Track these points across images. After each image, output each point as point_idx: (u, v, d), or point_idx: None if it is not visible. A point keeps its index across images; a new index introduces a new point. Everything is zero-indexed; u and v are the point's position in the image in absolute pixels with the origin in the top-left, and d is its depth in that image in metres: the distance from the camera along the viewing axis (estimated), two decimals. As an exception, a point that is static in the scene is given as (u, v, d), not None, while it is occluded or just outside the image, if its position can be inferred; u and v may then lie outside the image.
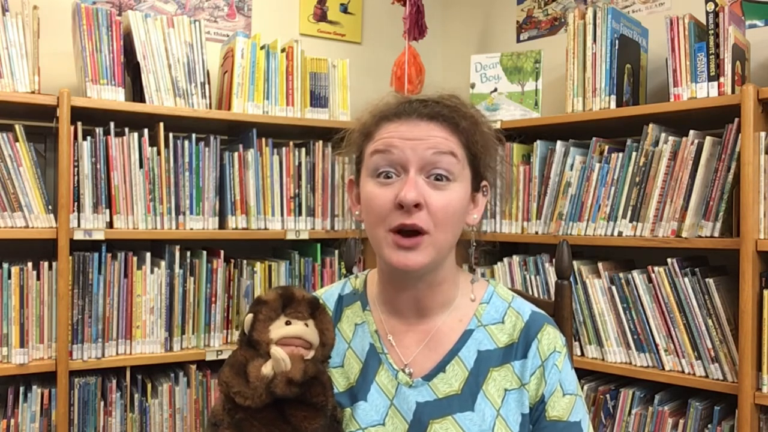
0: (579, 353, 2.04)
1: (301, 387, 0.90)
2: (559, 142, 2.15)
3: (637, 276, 1.91)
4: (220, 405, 0.95)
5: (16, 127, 1.90)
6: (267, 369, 0.90)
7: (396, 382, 1.02)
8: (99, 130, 1.98)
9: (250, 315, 0.96)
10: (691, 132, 1.86)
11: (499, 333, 1.04)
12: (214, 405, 0.97)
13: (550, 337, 1.04)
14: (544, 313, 1.08)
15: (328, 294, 1.15)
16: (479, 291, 1.09)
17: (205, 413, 2.13)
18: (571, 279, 1.36)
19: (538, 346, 1.02)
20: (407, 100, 1.03)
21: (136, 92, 2.12)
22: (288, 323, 0.95)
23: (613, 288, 1.97)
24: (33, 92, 1.89)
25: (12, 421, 1.87)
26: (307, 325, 0.96)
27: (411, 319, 1.06)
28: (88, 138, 1.96)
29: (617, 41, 2.02)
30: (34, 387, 1.90)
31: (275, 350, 0.91)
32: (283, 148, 2.26)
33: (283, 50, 2.28)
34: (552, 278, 2.13)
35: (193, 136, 2.12)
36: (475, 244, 1.08)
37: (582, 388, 2.02)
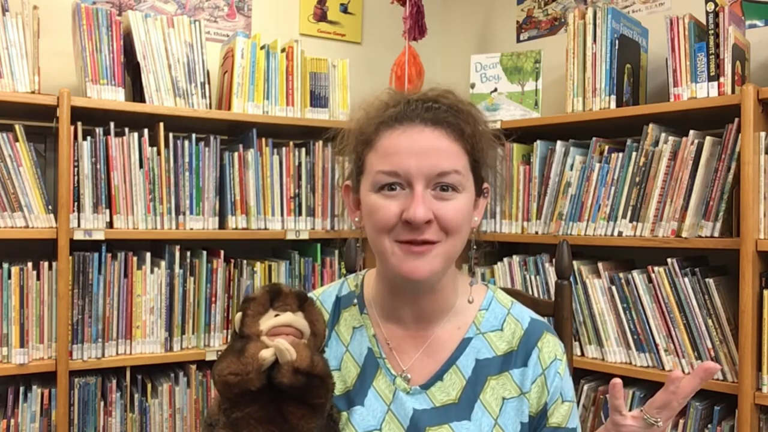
0: (579, 353, 2.04)
1: (307, 377, 0.88)
2: (559, 142, 2.15)
3: (637, 276, 1.91)
4: (215, 405, 0.94)
5: (16, 127, 1.90)
6: (267, 353, 0.88)
7: (393, 388, 1.02)
8: (99, 130, 1.97)
9: (239, 313, 0.95)
10: (691, 132, 1.86)
11: (498, 341, 1.04)
12: (210, 406, 0.96)
13: (550, 345, 1.03)
14: (543, 320, 1.07)
15: (325, 295, 1.13)
16: (478, 296, 1.07)
17: (205, 413, 2.12)
18: (571, 279, 1.36)
19: (539, 354, 1.02)
20: (405, 99, 0.99)
21: (136, 92, 2.12)
22: (277, 316, 0.93)
23: (613, 288, 1.97)
24: (33, 92, 1.89)
25: (12, 421, 1.87)
26: (295, 314, 0.94)
27: (410, 324, 1.04)
28: (88, 138, 1.96)
29: (617, 41, 2.02)
30: (34, 387, 1.90)
31: (277, 342, 0.88)
32: (283, 148, 2.26)
33: (283, 50, 2.28)
34: (552, 278, 2.13)
35: (193, 136, 2.12)
36: (475, 246, 1.07)
37: (582, 388, 2.02)
